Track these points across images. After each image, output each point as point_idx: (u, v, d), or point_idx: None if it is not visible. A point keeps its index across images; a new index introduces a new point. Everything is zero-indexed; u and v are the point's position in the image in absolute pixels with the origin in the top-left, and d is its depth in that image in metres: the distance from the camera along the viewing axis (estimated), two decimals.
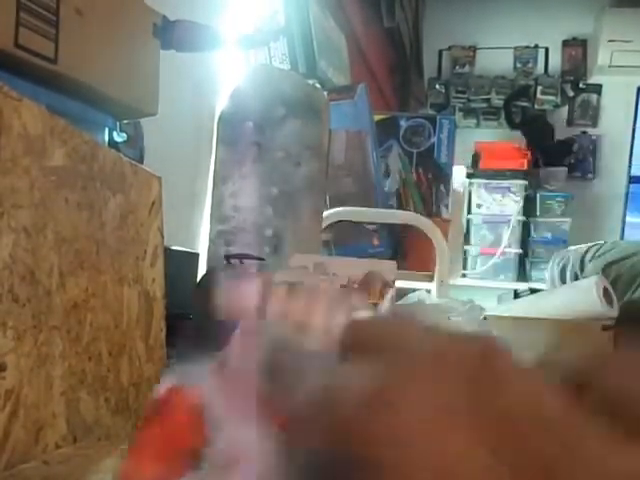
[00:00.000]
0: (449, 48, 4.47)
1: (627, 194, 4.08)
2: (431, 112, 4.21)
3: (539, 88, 4.30)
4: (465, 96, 4.38)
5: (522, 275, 3.74)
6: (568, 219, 3.75)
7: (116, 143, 0.85)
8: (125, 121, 0.89)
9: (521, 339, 1.52)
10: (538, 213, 3.77)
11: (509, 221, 3.65)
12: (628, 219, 4.08)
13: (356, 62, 2.53)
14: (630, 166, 4.09)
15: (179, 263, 1.07)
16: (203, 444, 0.32)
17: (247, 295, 0.37)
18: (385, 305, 0.63)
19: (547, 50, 4.36)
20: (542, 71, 4.37)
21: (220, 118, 1.16)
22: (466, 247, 3.72)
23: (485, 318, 1.39)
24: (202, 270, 1.13)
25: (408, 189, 1.87)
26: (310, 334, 0.34)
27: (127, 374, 0.60)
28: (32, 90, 0.66)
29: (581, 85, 4.33)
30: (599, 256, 2.15)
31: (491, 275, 3.69)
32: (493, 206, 3.71)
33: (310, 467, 0.22)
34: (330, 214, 1.49)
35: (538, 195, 3.77)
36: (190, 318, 1.01)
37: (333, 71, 1.72)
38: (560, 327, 1.58)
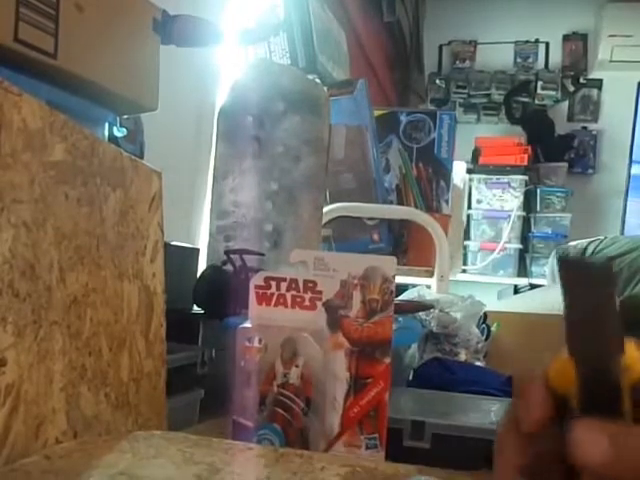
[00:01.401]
0: (449, 43, 4.46)
1: (627, 189, 4.08)
2: (431, 107, 4.20)
3: (539, 83, 4.29)
4: (465, 91, 4.37)
5: (522, 270, 3.74)
6: (568, 214, 3.75)
7: (116, 138, 0.85)
8: (125, 116, 0.89)
9: (522, 334, 1.52)
10: (538, 208, 3.77)
11: (509, 216, 3.65)
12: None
13: (356, 57, 2.52)
14: (630, 162, 4.09)
15: (179, 258, 1.07)
16: None
17: None
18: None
19: (547, 45, 4.35)
20: (542, 66, 4.37)
21: (220, 113, 1.16)
22: (466, 242, 3.72)
23: (485, 314, 1.39)
24: (202, 265, 1.13)
25: (408, 184, 1.87)
26: None
27: (127, 369, 0.61)
28: (32, 85, 0.66)
29: (581, 80, 4.32)
30: (599, 251, 2.15)
31: (491, 270, 3.69)
32: (493, 201, 3.71)
33: None
34: (330, 209, 1.49)
35: (538, 190, 3.77)
36: (190, 313, 1.01)
37: (333, 66, 1.72)
38: (560, 322, 1.58)
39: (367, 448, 0.62)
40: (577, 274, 0.34)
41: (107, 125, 0.83)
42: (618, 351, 0.34)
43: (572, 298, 0.35)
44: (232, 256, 0.97)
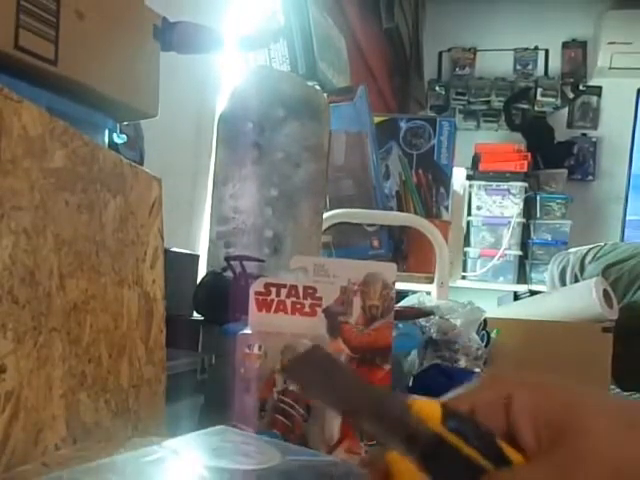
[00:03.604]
0: (449, 50, 4.47)
1: (627, 196, 4.08)
2: (431, 114, 4.21)
3: (539, 90, 4.29)
4: (465, 98, 4.38)
5: (522, 277, 3.73)
6: (568, 221, 3.75)
7: (116, 145, 0.85)
8: (125, 123, 0.89)
9: (521, 341, 1.52)
10: (538, 215, 3.77)
11: (509, 223, 3.65)
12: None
13: (356, 64, 2.53)
14: (630, 168, 4.09)
15: (179, 265, 1.07)
16: None
17: None
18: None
19: (547, 52, 4.36)
20: (542, 73, 4.37)
21: (220, 120, 1.16)
22: (466, 249, 3.72)
23: (485, 320, 1.39)
24: (202, 272, 1.13)
25: (408, 191, 1.87)
26: None
27: (127, 376, 0.60)
28: (32, 92, 0.66)
29: (581, 87, 4.32)
30: (599, 258, 2.15)
31: (491, 277, 3.68)
32: (493, 208, 3.71)
33: None
34: (330, 216, 1.49)
35: (538, 197, 3.77)
36: (190, 320, 1.01)
37: (333, 72, 1.72)
38: (560, 329, 1.58)
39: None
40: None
41: (107, 132, 0.83)
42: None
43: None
44: (232, 262, 0.97)
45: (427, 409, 0.34)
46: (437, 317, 1.26)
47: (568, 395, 0.34)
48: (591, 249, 2.22)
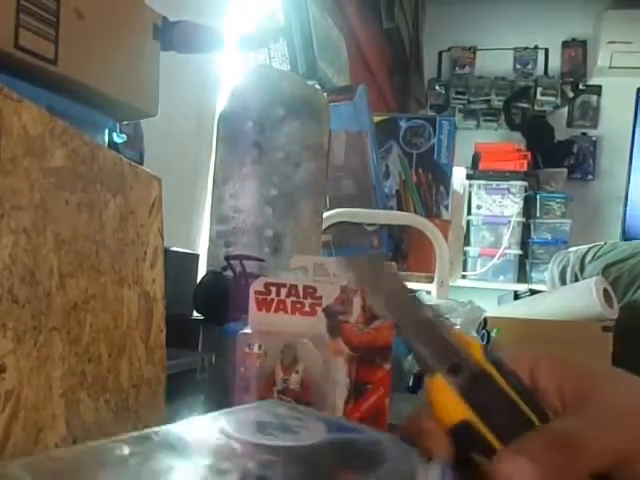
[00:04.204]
0: (449, 49, 4.47)
1: (627, 195, 4.08)
2: (431, 113, 4.21)
3: (539, 89, 4.30)
4: (465, 97, 4.38)
5: (522, 276, 3.74)
6: (568, 220, 3.75)
7: (116, 144, 0.85)
8: (125, 122, 0.89)
9: (521, 340, 1.52)
10: (538, 214, 3.77)
11: (509, 222, 3.65)
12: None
13: (356, 63, 2.53)
14: (630, 167, 4.09)
15: (179, 264, 1.07)
16: None
17: None
18: None
19: (547, 51, 4.36)
20: (542, 72, 4.38)
21: (220, 118, 1.16)
22: (466, 248, 3.72)
23: (485, 319, 1.39)
24: (202, 271, 1.13)
25: (408, 190, 1.87)
26: None
27: (127, 375, 0.60)
28: (32, 91, 0.66)
29: (581, 86, 4.33)
30: (599, 257, 2.15)
31: (491, 276, 3.69)
32: (493, 207, 3.71)
33: None
34: (330, 215, 1.49)
35: (538, 196, 3.77)
36: (190, 319, 1.01)
37: (333, 72, 1.72)
38: (560, 328, 1.58)
39: None
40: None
41: (107, 131, 0.83)
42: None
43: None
44: (232, 262, 0.97)
45: (470, 342, 0.35)
46: None
47: (586, 368, 0.38)
48: (591, 248, 2.22)
